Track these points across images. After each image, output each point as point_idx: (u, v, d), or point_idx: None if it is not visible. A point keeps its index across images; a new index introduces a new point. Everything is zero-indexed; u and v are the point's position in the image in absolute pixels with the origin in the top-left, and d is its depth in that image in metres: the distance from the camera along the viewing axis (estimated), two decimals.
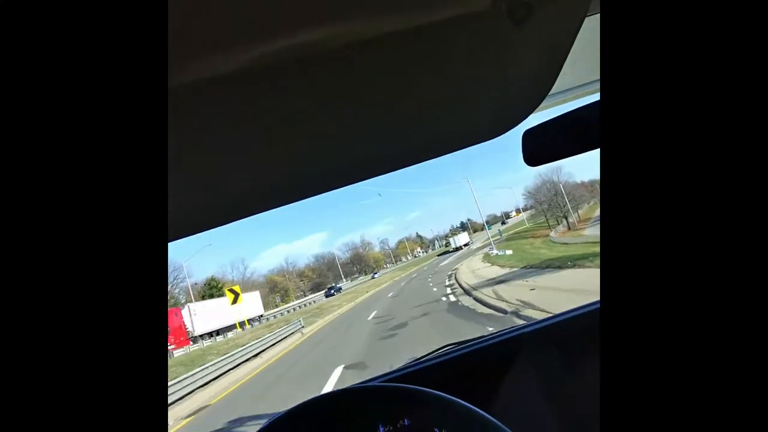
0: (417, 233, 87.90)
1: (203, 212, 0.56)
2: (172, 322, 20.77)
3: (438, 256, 52.08)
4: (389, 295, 19.03)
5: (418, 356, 0.92)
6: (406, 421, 0.52)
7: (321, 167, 0.55)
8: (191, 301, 27.35)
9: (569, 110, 0.46)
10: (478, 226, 69.38)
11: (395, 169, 0.63)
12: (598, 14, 0.36)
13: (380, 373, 0.89)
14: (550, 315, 0.91)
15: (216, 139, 0.40)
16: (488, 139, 0.63)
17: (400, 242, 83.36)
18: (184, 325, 22.09)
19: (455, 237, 54.96)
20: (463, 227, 78.10)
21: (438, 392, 0.52)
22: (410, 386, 0.54)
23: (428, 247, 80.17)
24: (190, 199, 0.50)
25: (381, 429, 0.53)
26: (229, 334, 22.55)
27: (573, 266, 9.80)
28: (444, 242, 70.70)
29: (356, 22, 0.31)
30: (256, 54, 0.30)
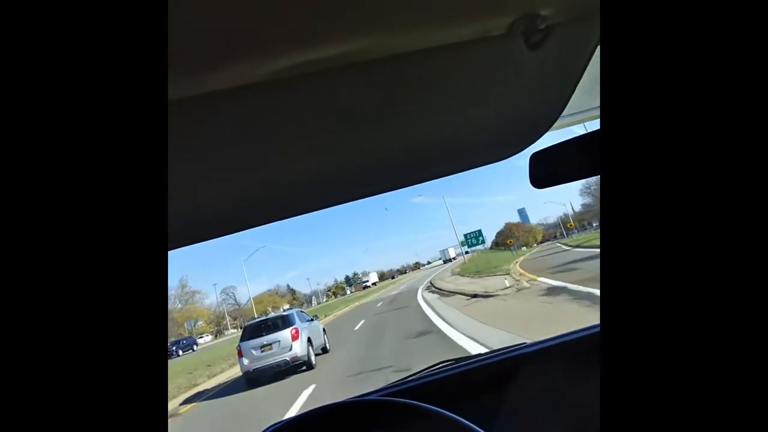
0: (288, 285, 66.39)
1: (204, 222, 0.56)
2: None
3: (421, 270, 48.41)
4: None
5: (416, 371, 0.90)
6: None
7: (326, 182, 0.55)
8: None
9: (578, 134, 0.45)
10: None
11: (401, 187, 0.63)
12: None
13: (376, 387, 0.87)
14: (551, 336, 0.89)
15: (216, 150, 0.39)
16: (500, 160, 0.63)
17: (260, 296, 53.80)
18: None
19: (445, 250, 61.96)
20: (348, 282, 73.77)
21: (435, 407, 0.52)
22: (407, 401, 0.54)
23: (303, 304, 57.12)
24: (191, 209, 0.50)
25: None
26: None
27: None
28: (319, 300, 60.43)
29: (370, 39, 0.31)
30: (263, 68, 0.30)
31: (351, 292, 61.72)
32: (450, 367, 0.87)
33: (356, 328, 10.70)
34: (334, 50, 0.31)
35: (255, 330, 6.97)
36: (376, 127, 0.45)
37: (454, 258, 57.01)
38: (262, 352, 6.50)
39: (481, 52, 0.36)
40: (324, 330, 8.29)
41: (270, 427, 0.58)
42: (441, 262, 63.76)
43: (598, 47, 0.38)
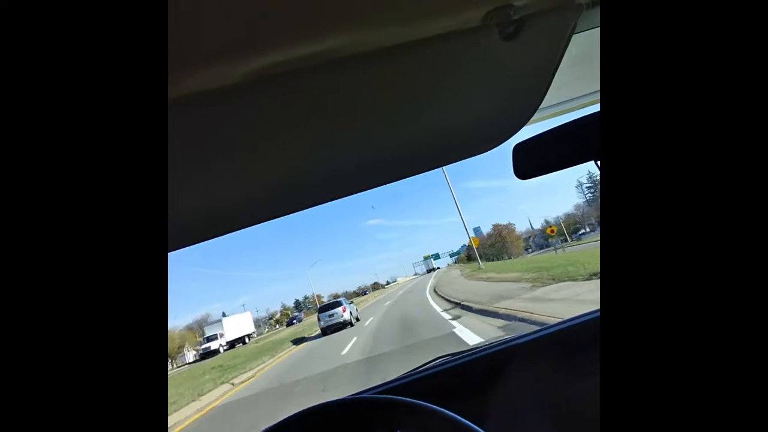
0: (224, 313, 52.96)
1: (204, 222, 0.58)
2: None
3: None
4: None
5: (413, 368, 0.91)
6: None
7: (317, 178, 0.57)
8: None
9: (559, 124, 0.46)
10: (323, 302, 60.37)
11: (386, 182, 0.65)
12: (587, 31, 0.41)
13: (373, 384, 0.88)
14: (547, 325, 0.90)
15: (215, 149, 0.41)
16: (481, 152, 0.66)
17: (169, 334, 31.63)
18: None
19: (428, 260, 74.35)
20: (298, 307, 68.70)
21: (429, 404, 0.51)
22: (403, 398, 0.54)
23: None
24: (191, 210, 0.52)
25: None
26: None
27: None
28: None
29: (350, 36, 0.32)
30: (254, 66, 0.32)
31: (298, 321, 44.52)
32: (447, 361, 0.88)
33: None
34: (309, 50, 0.31)
35: (325, 308, 15.08)
36: (358, 122, 0.46)
37: (437, 268, 66.48)
38: (329, 317, 14.54)
39: (457, 46, 0.37)
40: (356, 309, 16.97)
41: (268, 428, 0.58)
42: (413, 276, 79.84)
43: (573, 37, 0.41)
